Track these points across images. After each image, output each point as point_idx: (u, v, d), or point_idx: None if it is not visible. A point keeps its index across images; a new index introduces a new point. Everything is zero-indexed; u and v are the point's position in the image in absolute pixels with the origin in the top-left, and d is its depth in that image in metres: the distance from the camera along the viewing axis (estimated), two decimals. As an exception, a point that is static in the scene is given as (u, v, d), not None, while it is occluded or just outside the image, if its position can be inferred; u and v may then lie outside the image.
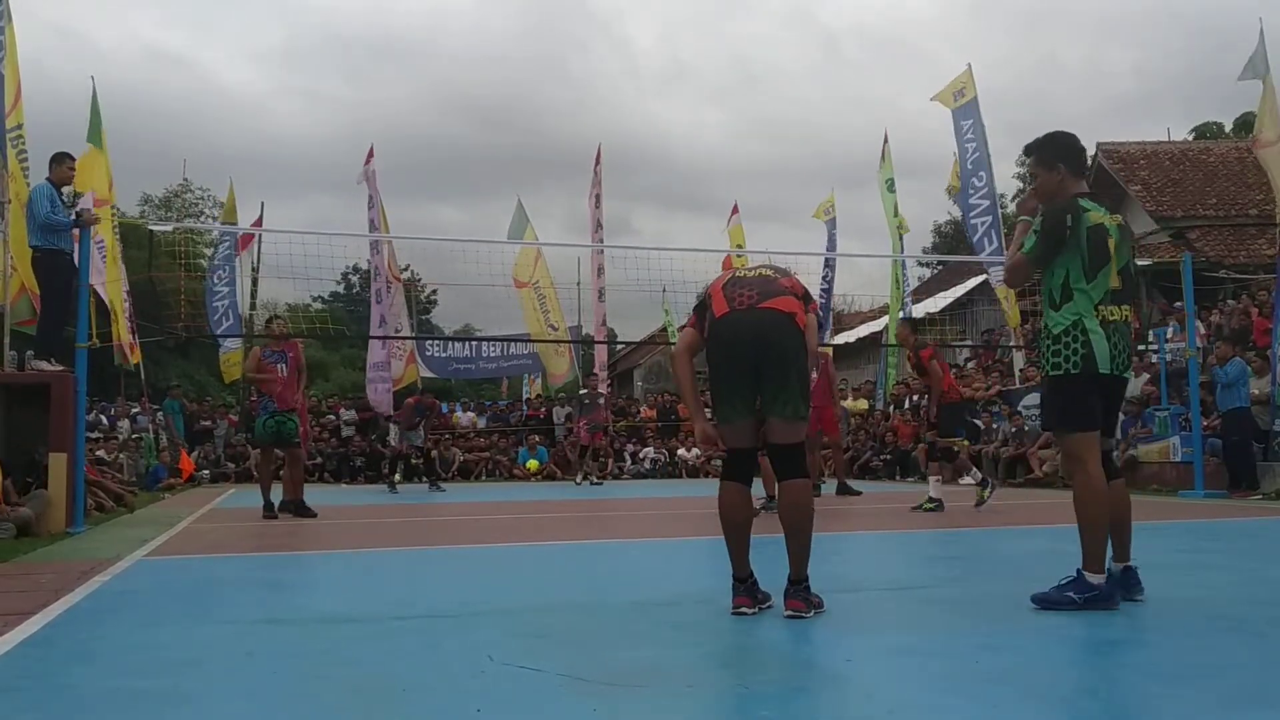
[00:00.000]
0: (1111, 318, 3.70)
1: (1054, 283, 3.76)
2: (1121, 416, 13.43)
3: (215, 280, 20.12)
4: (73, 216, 8.51)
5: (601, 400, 17.15)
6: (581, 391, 17.46)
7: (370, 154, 18.94)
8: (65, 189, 8.65)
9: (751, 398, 3.70)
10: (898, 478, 17.35)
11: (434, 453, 16.38)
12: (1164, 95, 64.50)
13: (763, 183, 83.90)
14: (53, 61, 57.92)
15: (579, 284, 25.04)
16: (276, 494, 9.32)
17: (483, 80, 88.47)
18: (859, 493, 11.95)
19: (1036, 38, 79.09)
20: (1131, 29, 72.85)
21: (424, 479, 15.58)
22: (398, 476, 16.02)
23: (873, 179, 21.25)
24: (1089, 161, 23.58)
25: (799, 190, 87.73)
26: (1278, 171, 13.52)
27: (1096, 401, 3.73)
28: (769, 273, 3.84)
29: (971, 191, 17.83)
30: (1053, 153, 3.87)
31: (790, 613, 3.55)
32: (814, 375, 11.98)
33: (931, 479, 9.32)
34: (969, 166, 18.01)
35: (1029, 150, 3.96)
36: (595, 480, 16.44)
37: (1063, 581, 3.69)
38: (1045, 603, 3.67)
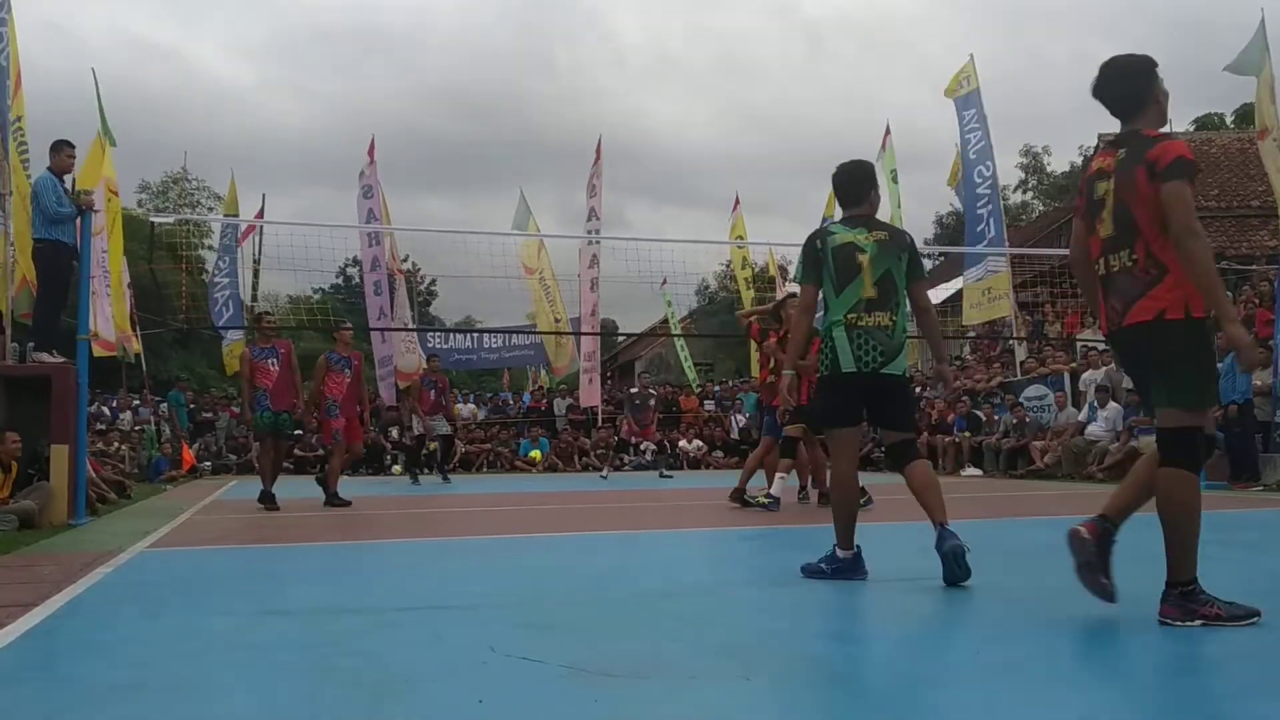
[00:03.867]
0: (861, 323, 4.08)
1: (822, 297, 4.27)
2: (1123, 407, 13.54)
3: (216, 272, 20.13)
4: (71, 208, 8.48)
5: (653, 402, 16.80)
6: (632, 390, 17.24)
7: (372, 147, 18.93)
8: (66, 177, 8.63)
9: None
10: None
11: (433, 446, 16.34)
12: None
13: (752, 174, 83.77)
14: (43, 57, 57.82)
15: (579, 276, 24.99)
16: (278, 488, 9.31)
17: (471, 74, 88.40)
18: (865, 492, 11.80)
19: (1021, 32, 78.80)
20: (1118, 24, 72.51)
21: (432, 470, 15.51)
22: (398, 468, 15.98)
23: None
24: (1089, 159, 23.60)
25: (789, 182, 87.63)
26: (1273, 164, 13.48)
27: (850, 400, 4.15)
28: None
29: (978, 181, 17.78)
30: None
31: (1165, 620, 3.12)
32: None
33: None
34: (971, 157, 17.96)
35: None
36: (603, 475, 16.37)
37: (824, 555, 4.21)
38: (806, 571, 4.23)
